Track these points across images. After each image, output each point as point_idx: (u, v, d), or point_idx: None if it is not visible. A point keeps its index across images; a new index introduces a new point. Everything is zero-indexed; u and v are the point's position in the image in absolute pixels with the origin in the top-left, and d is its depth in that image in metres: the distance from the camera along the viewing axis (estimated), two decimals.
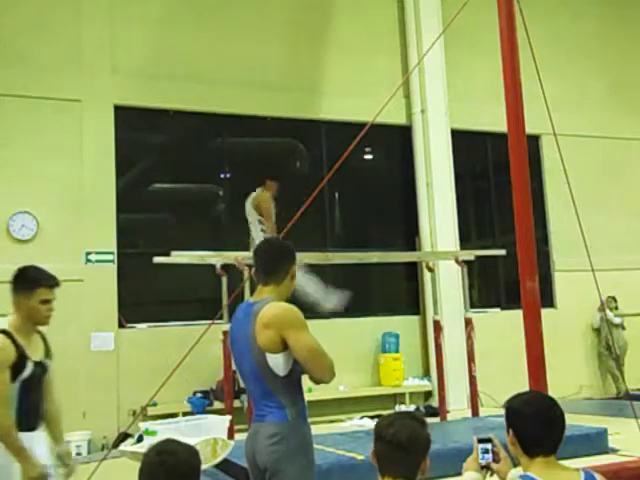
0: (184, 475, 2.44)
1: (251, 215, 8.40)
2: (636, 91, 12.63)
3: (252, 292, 7.92)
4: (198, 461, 2.53)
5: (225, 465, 5.47)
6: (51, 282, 3.85)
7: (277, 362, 3.15)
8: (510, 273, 9.29)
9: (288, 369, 3.17)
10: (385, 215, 10.91)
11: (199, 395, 8.96)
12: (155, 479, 2.42)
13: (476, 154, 11.67)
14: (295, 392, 3.23)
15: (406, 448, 2.51)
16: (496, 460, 2.87)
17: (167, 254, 7.57)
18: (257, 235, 8.25)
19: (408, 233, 10.90)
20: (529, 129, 5.38)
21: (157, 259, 7.67)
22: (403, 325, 10.47)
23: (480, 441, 2.89)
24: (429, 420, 8.91)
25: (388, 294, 10.93)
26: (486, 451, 2.88)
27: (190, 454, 2.52)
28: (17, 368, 3.59)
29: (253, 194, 8.43)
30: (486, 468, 2.87)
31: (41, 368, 3.79)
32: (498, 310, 11.10)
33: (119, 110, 9.33)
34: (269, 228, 7.99)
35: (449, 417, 8.38)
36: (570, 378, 10.74)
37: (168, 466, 2.41)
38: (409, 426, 2.54)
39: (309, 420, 3.32)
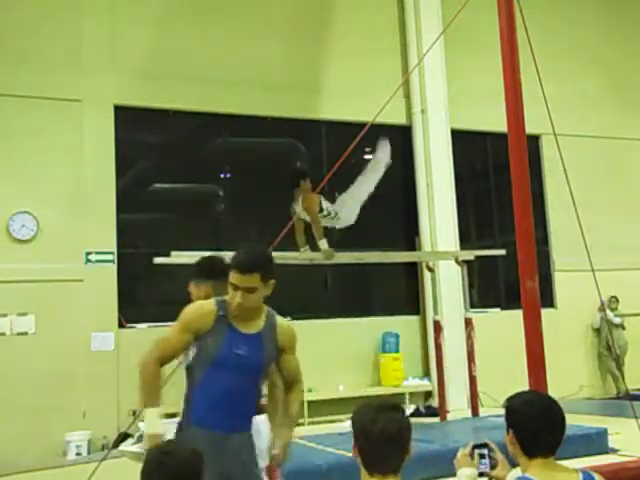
0: (184, 476, 2.43)
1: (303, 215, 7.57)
2: (636, 91, 12.64)
3: None
4: (200, 462, 2.52)
5: None
6: None
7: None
8: (510, 273, 9.29)
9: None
10: (385, 215, 10.91)
11: None
12: (155, 479, 2.43)
13: (476, 154, 11.67)
14: (189, 393, 3.33)
15: (395, 443, 2.43)
16: (493, 465, 2.85)
17: (167, 254, 7.56)
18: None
19: (408, 233, 10.91)
20: (529, 129, 5.38)
21: (157, 259, 7.66)
22: (403, 325, 10.47)
23: (476, 447, 2.87)
24: (429, 420, 8.92)
25: (388, 294, 10.92)
26: (482, 456, 2.85)
27: (191, 455, 2.51)
28: None
29: (299, 197, 7.45)
30: (483, 475, 2.85)
31: None
32: (498, 310, 11.10)
33: (119, 110, 9.33)
34: (318, 231, 7.41)
35: (449, 417, 8.37)
36: (570, 378, 10.74)
37: (168, 466, 2.41)
38: (395, 419, 2.45)
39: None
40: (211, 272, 4.08)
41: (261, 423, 3.62)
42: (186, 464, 2.46)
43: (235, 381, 3.21)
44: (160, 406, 3.21)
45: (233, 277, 3.21)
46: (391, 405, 2.50)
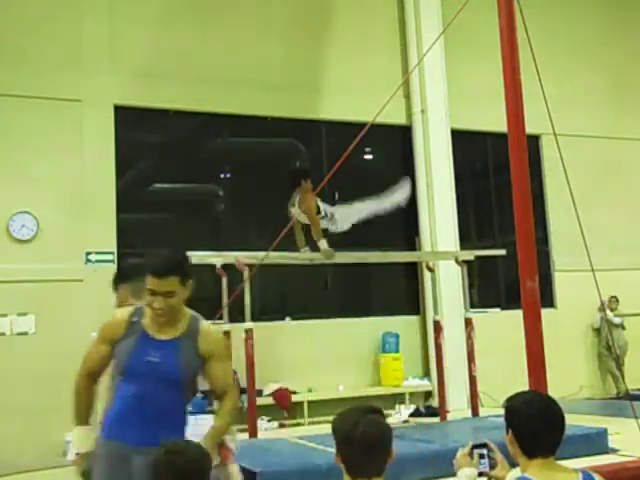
0: (191, 475, 2.43)
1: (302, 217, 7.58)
2: (636, 91, 12.63)
3: (252, 292, 7.92)
4: (207, 461, 2.52)
5: None
6: None
7: None
8: (510, 273, 9.29)
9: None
10: (385, 215, 10.90)
11: (199, 395, 8.94)
12: (162, 478, 2.43)
13: (476, 154, 11.67)
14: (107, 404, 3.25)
15: (377, 446, 2.43)
16: (493, 465, 2.85)
17: None
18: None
19: (408, 233, 10.90)
20: (529, 129, 5.38)
21: None
22: (403, 325, 10.47)
23: (475, 447, 2.87)
24: (429, 420, 8.91)
25: (388, 294, 10.92)
26: (481, 456, 2.86)
27: (199, 454, 2.51)
28: None
29: (297, 197, 7.53)
30: (483, 475, 2.85)
31: None
32: (498, 310, 11.08)
33: (119, 110, 9.32)
34: (317, 233, 7.45)
35: (449, 417, 8.38)
36: (570, 378, 10.73)
37: (175, 466, 2.41)
38: (376, 423, 2.45)
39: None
40: (126, 275, 4.06)
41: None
42: (194, 463, 2.46)
43: (147, 390, 3.07)
44: (89, 423, 3.19)
45: (150, 282, 3.06)
46: (371, 409, 2.51)
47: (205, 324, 3.30)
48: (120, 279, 4.05)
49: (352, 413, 2.48)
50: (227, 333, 7.58)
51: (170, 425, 3.12)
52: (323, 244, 7.47)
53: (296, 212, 7.47)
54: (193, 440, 2.73)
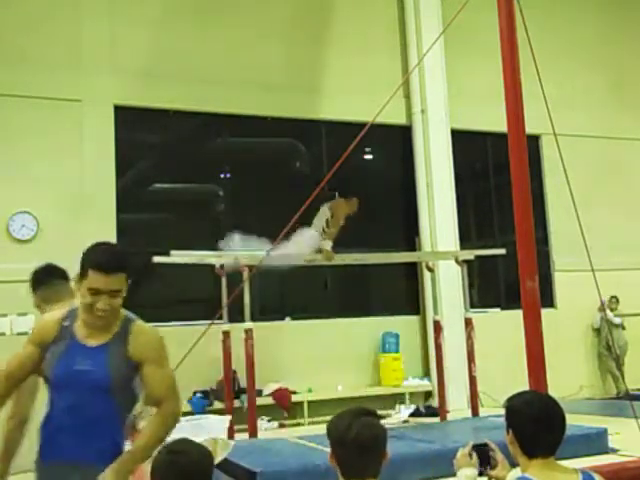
0: (193, 475, 2.43)
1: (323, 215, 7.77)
2: (636, 90, 12.63)
3: (252, 292, 7.92)
4: (210, 462, 2.52)
5: (225, 465, 5.47)
6: None
7: None
8: (510, 273, 9.28)
9: None
10: (385, 215, 10.91)
11: (199, 395, 8.95)
12: (165, 478, 2.42)
13: (476, 154, 11.67)
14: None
15: (371, 448, 2.43)
16: (493, 465, 2.85)
17: (167, 254, 7.57)
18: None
19: (408, 233, 10.90)
20: (529, 129, 5.38)
21: (157, 259, 7.67)
22: (403, 325, 10.47)
23: (475, 447, 2.87)
24: (429, 420, 8.90)
25: (388, 294, 10.92)
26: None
27: (202, 455, 2.50)
28: None
29: (336, 201, 7.84)
30: (483, 474, 2.85)
31: None
32: (498, 310, 11.10)
33: (119, 110, 9.32)
34: (332, 234, 7.63)
35: (449, 417, 8.39)
36: (570, 378, 10.74)
37: (178, 466, 2.41)
38: (369, 425, 2.46)
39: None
40: (38, 280, 4.01)
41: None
42: (197, 464, 2.45)
43: (78, 400, 2.82)
44: None
45: (94, 280, 2.83)
46: (365, 411, 2.52)
47: (137, 325, 2.99)
48: (34, 284, 4.01)
49: (346, 415, 2.49)
50: (227, 333, 7.61)
51: (106, 435, 2.88)
52: (327, 245, 7.51)
53: (324, 209, 7.61)
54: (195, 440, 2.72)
